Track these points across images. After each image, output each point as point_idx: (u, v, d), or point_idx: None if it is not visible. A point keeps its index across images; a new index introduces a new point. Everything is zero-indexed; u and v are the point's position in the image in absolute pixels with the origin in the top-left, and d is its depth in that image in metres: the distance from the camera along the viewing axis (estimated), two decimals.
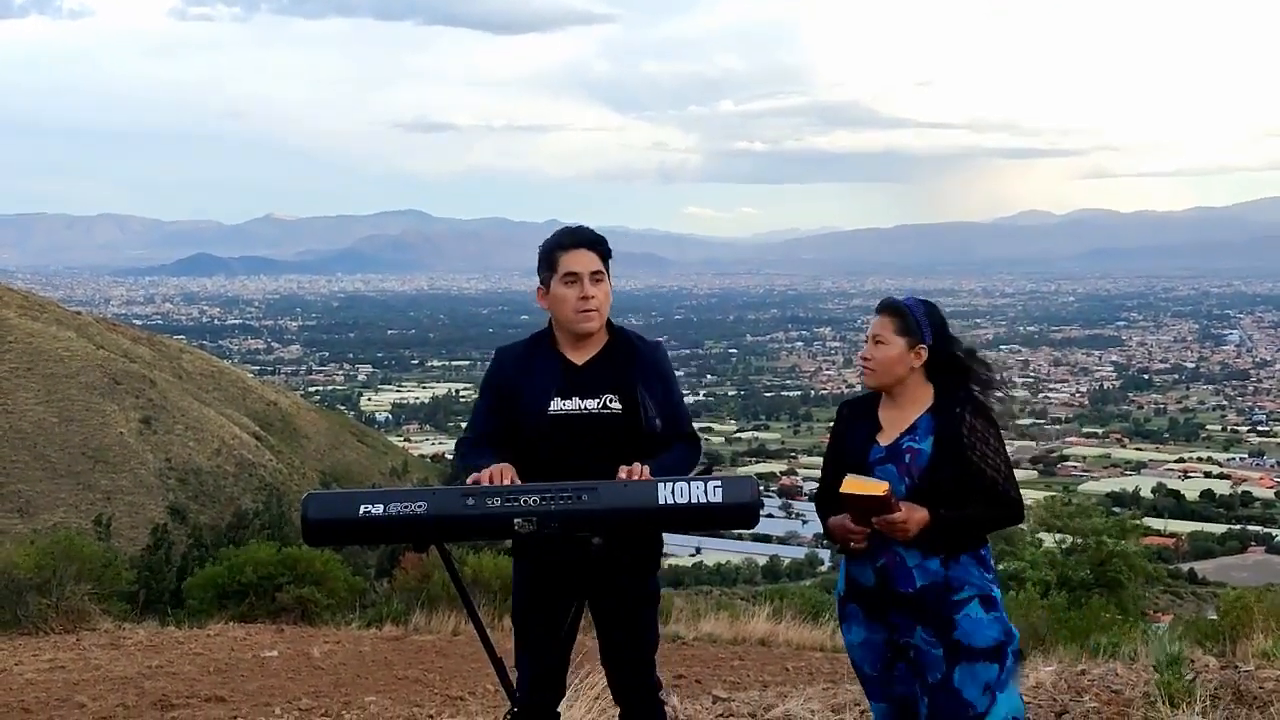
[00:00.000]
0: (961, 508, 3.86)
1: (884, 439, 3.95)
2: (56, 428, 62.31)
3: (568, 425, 3.98)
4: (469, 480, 3.77)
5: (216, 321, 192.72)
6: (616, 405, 4.01)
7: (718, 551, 69.36)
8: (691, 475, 3.73)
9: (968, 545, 3.91)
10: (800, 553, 70.06)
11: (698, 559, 67.45)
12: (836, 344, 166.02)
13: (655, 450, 3.94)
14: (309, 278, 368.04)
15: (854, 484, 3.78)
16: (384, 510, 3.57)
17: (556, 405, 4.00)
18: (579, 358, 4.09)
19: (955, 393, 4.00)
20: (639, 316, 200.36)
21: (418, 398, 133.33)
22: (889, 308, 4.05)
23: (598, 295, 4.03)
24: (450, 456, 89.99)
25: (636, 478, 3.73)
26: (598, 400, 4.02)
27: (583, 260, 4.03)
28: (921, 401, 3.98)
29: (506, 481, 3.74)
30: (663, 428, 4.03)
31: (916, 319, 4.00)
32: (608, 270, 4.09)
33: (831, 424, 4.18)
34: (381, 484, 66.45)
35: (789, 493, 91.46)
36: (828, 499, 4.03)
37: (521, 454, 3.94)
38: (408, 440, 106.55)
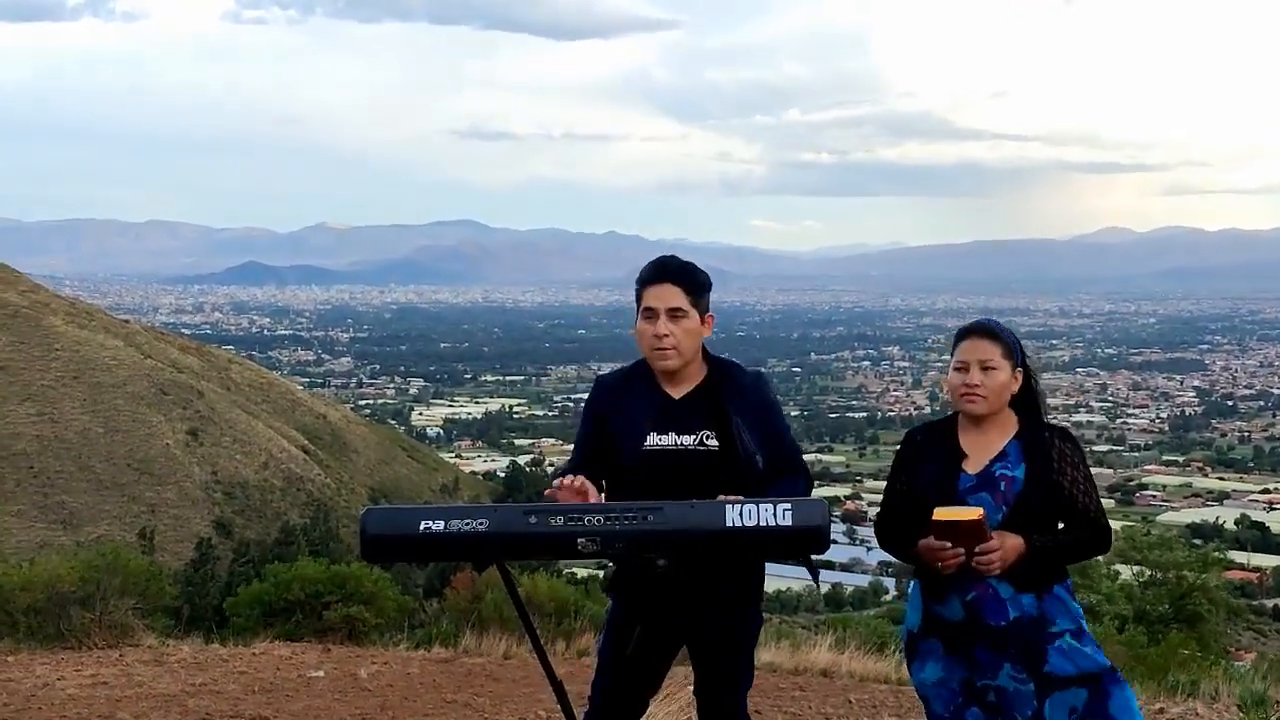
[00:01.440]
0: (1053, 536, 3.86)
1: (972, 466, 3.91)
2: (102, 438, 63.11)
3: (662, 461, 4.00)
4: (546, 491, 3.81)
5: (266, 332, 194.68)
6: (714, 442, 4.00)
7: (778, 578, 68.96)
8: (761, 498, 3.73)
9: (1056, 575, 3.90)
10: (864, 581, 69.71)
11: None
12: (905, 364, 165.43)
13: (760, 488, 3.93)
14: (361, 288, 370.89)
15: (945, 512, 3.78)
16: (445, 527, 3.59)
17: (651, 440, 4.02)
18: (676, 391, 4.09)
19: (1039, 417, 4.01)
20: None
21: (470, 413, 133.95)
22: (992, 332, 3.99)
23: (675, 333, 4.00)
24: (502, 474, 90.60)
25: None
26: (694, 436, 4.02)
27: (661, 295, 4.02)
28: (1008, 427, 3.96)
29: (578, 488, 3.78)
30: (768, 463, 4.01)
31: (1013, 343, 3.99)
32: (698, 304, 4.05)
33: (898, 449, 4.13)
34: (433, 501, 66.75)
35: (853, 518, 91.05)
36: (893, 530, 4.02)
37: (615, 488, 4.00)
38: (459, 457, 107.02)
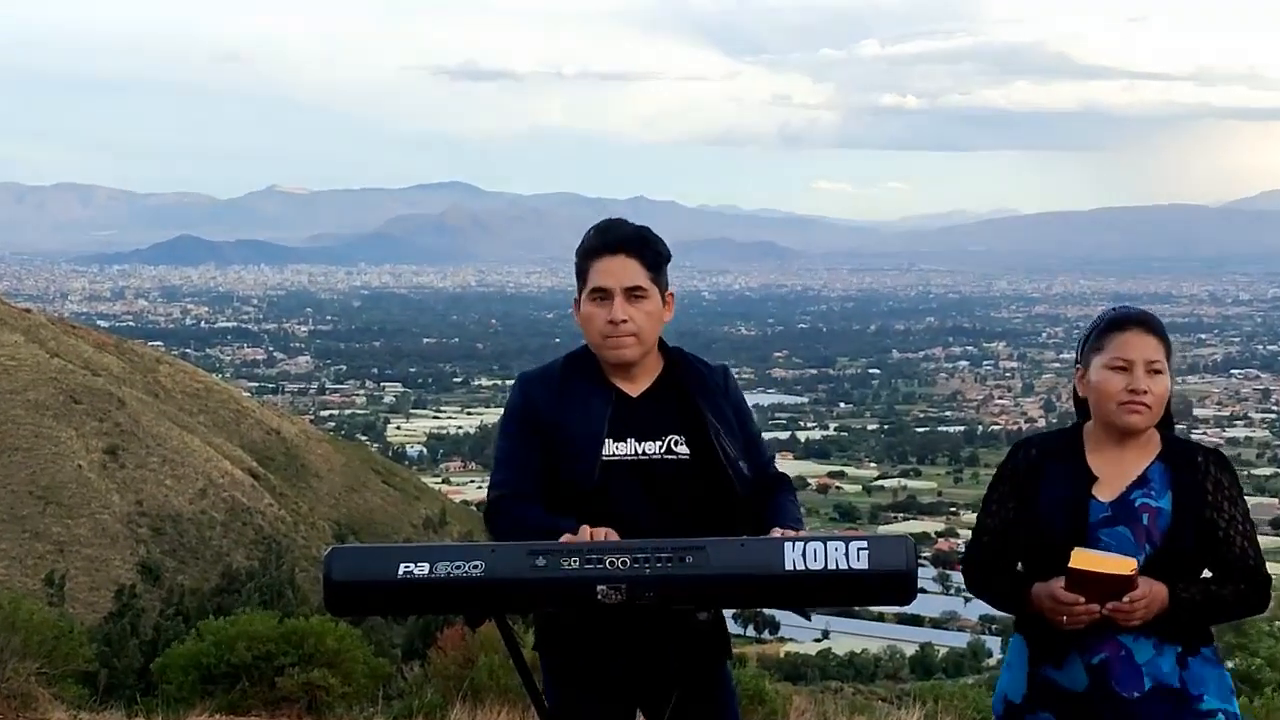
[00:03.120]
0: (1202, 587, 3.82)
1: (1105, 493, 3.88)
2: None
3: (623, 476, 3.99)
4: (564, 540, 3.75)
5: (204, 324, 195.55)
6: (684, 449, 4.03)
7: (851, 636, 69.12)
8: (829, 534, 3.72)
9: (1202, 636, 3.87)
10: (961, 640, 69.55)
11: (824, 645, 67.21)
12: (1013, 364, 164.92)
13: (745, 504, 3.97)
14: (323, 268, 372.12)
15: (1089, 559, 3.73)
16: (430, 571, 3.60)
17: (608, 450, 4.01)
18: (633, 388, 4.09)
19: (1185, 436, 3.99)
20: (751, 325, 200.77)
21: (461, 427, 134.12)
22: (1159, 326, 3.97)
23: (635, 317, 4.01)
24: None
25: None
26: (659, 442, 4.03)
27: (615, 271, 4.02)
28: (1150, 446, 3.94)
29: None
30: (753, 473, 4.06)
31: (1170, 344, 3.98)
32: (658, 280, 4.07)
33: (1002, 464, 4.09)
34: (414, 537, 66.78)
35: (947, 560, 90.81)
36: (993, 568, 4.00)
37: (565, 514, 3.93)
38: (447, 482, 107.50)
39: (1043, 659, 3.92)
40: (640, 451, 4.01)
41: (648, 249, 4.05)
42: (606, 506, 3.92)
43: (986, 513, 4.05)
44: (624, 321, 4.00)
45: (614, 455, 4.00)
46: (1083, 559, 3.72)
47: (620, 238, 4.06)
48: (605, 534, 3.76)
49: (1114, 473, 3.91)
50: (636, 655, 3.95)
